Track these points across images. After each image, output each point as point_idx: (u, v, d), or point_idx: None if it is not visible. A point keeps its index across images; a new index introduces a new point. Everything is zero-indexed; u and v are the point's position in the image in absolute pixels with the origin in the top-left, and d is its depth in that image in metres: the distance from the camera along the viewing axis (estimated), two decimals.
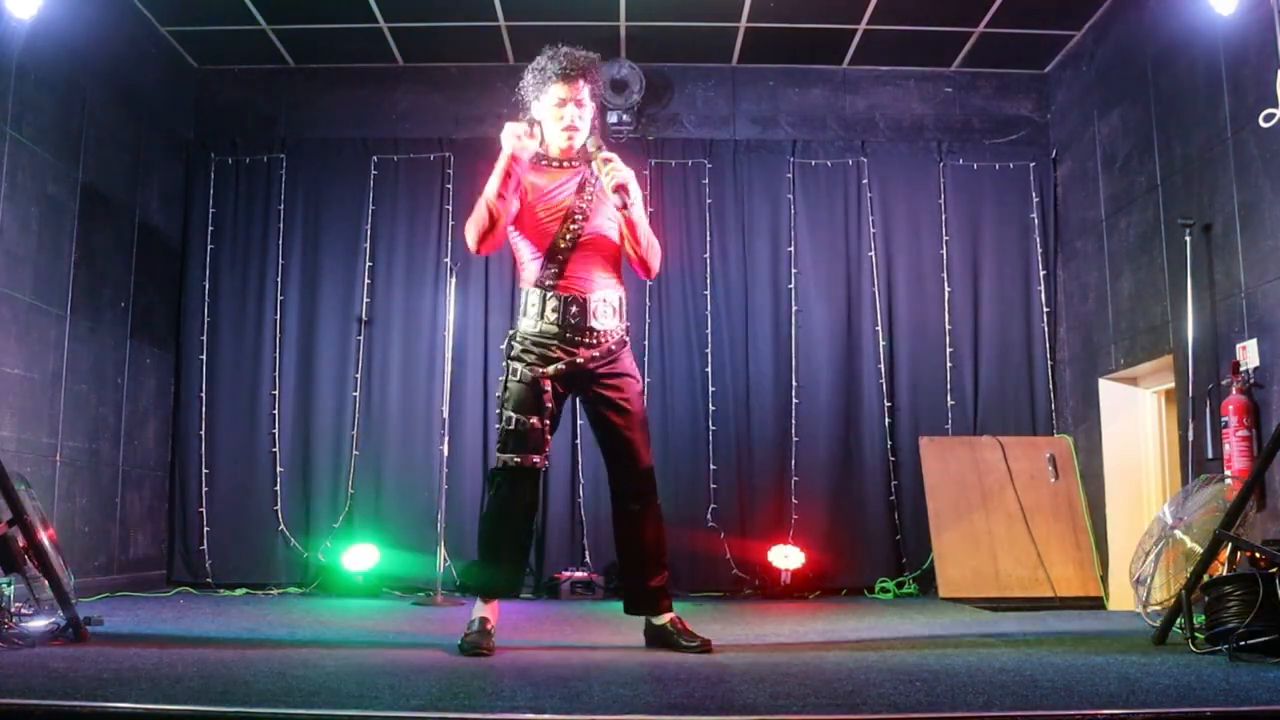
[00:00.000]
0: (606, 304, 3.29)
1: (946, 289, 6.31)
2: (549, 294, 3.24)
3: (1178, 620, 3.37)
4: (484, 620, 3.23)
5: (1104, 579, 5.58)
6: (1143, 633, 3.69)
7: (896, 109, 6.53)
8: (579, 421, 6.00)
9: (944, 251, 6.34)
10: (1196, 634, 3.23)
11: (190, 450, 6.11)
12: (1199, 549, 3.57)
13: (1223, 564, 3.49)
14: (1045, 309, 6.29)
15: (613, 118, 6.22)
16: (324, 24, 6.01)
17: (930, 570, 5.80)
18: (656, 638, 3.33)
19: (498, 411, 3.31)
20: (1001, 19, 5.87)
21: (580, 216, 3.27)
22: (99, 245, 5.38)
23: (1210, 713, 2.08)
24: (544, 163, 3.34)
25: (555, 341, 3.24)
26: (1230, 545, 3.36)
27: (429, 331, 6.18)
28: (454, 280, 5.70)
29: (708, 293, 6.26)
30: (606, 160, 3.19)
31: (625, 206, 3.17)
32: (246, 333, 6.22)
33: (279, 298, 6.24)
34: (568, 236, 3.25)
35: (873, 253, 6.32)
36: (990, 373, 6.26)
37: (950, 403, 6.22)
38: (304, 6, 5.82)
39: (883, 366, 6.23)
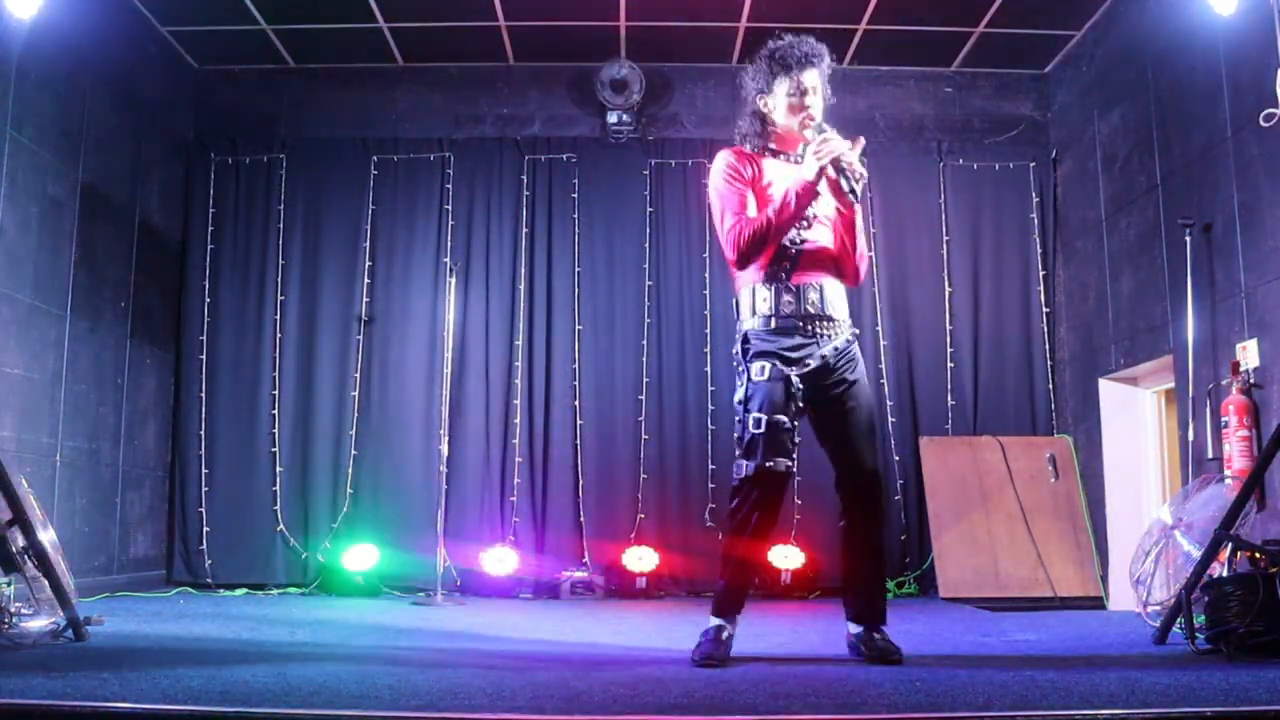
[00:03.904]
0: (839, 293, 3.15)
1: (946, 289, 6.31)
2: (782, 286, 3.05)
3: (1178, 620, 3.37)
4: (719, 628, 2.96)
5: (1104, 579, 5.58)
6: (1142, 633, 3.69)
7: (896, 109, 6.53)
8: (579, 421, 6.02)
9: (944, 251, 6.34)
10: (1196, 634, 3.23)
11: (190, 450, 6.10)
12: (1198, 549, 3.56)
13: (1222, 564, 3.49)
14: (1045, 309, 6.28)
15: (613, 118, 6.23)
16: (324, 24, 6.00)
17: (930, 570, 5.80)
18: (877, 652, 2.98)
19: (738, 419, 3.11)
20: (1001, 19, 5.87)
21: (810, 216, 3.11)
22: (99, 245, 5.38)
23: (1210, 713, 2.08)
24: (780, 157, 3.21)
25: (795, 334, 3.06)
26: (1230, 545, 3.36)
27: (429, 331, 6.18)
28: (454, 280, 5.71)
29: (707, 292, 6.25)
30: (819, 131, 2.99)
31: (843, 191, 2.99)
32: (246, 333, 6.22)
33: (279, 298, 6.24)
34: (798, 240, 3.09)
35: (872, 253, 6.30)
36: (990, 373, 6.26)
37: (950, 403, 6.22)
38: (304, 6, 5.81)
39: (883, 366, 6.23)
